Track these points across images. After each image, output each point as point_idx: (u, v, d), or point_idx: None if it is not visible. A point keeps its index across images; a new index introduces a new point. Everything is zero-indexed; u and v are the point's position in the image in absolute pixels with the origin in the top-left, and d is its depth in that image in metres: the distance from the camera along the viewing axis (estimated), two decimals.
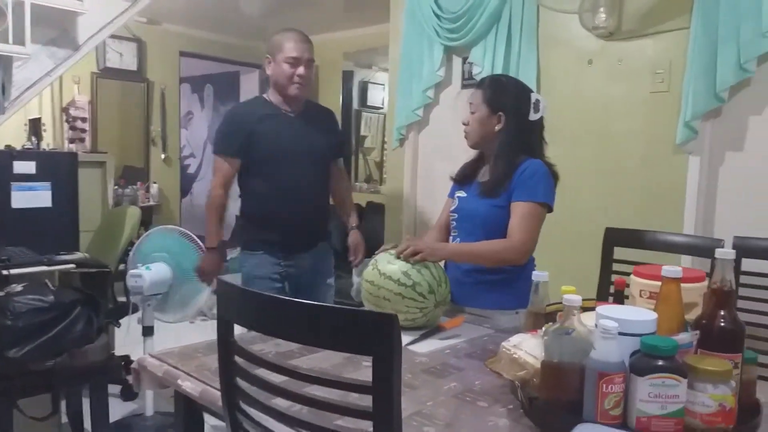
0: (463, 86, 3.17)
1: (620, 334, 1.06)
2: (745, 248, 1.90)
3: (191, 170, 7.42)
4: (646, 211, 2.51)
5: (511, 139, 1.90)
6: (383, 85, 5.85)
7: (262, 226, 2.36)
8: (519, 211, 1.84)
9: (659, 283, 1.31)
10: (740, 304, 1.83)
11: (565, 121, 2.76)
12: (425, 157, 3.32)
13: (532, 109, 1.91)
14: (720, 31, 2.25)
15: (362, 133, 6.17)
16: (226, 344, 1.09)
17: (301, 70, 2.26)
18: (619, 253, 2.12)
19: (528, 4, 2.83)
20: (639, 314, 1.15)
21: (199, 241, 2.81)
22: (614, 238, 2.13)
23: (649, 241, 2.05)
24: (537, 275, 1.41)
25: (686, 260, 2.21)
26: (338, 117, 2.69)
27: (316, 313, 0.91)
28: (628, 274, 2.06)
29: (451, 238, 2.08)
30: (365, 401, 0.87)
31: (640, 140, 2.55)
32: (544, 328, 1.25)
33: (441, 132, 3.23)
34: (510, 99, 1.93)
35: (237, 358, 1.07)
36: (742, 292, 1.85)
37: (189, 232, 2.86)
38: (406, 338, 1.61)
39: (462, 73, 3.16)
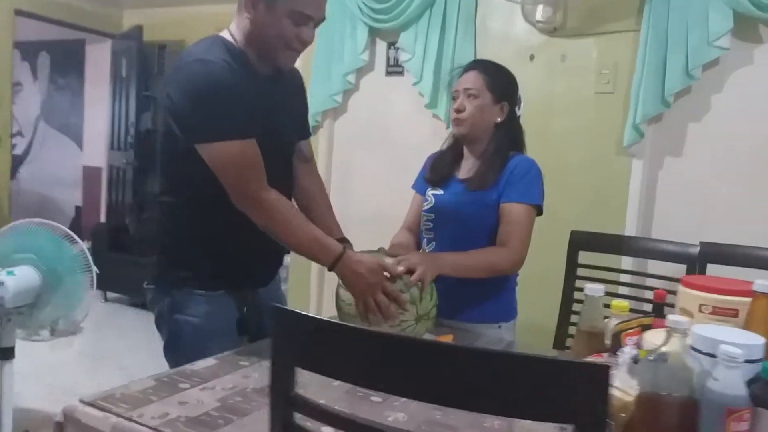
0: (388, 73, 2.93)
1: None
2: (713, 254, 1.89)
3: (18, 151, 6.32)
4: (588, 212, 2.48)
5: (509, 132, 1.73)
6: None
7: (224, 249, 1.49)
8: (513, 213, 1.65)
9: (727, 298, 1.20)
10: None
11: None
12: (341, 147, 3.03)
13: (520, 102, 1.75)
14: (669, 37, 2.26)
15: None
16: (284, 399, 0.75)
17: (307, 33, 1.44)
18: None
19: None
20: (747, 337, 1.01)
21: (76, 237, 2.26)
22: (581, 241, 2.03)
23: (625, 246, 1.98)
24: (592, 289, 1.22)
25: (657, 265, 2.12)
26: None
27: (490, 362, 0.62)
28: (596, 280, 2.02)
29: (424, 240, 1.84)
30: None
31: (584, 140, 2.51)
32: (627, 352, 1.06)
33: (361, 120, 2.97)
34: (512, 89, 1.75)
35: (298, 415, 0.75)
36: None
37: (64, 228, 2.29)
38: None
39: (387, 58, 2.92)
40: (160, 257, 1.54)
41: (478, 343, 1.62)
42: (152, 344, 1.66)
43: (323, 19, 1.47)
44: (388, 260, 1.48)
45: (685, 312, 1.25)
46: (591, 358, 1.14)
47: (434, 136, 2.81)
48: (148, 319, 1.64)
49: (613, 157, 2.43)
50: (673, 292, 1.38)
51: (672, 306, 1.33)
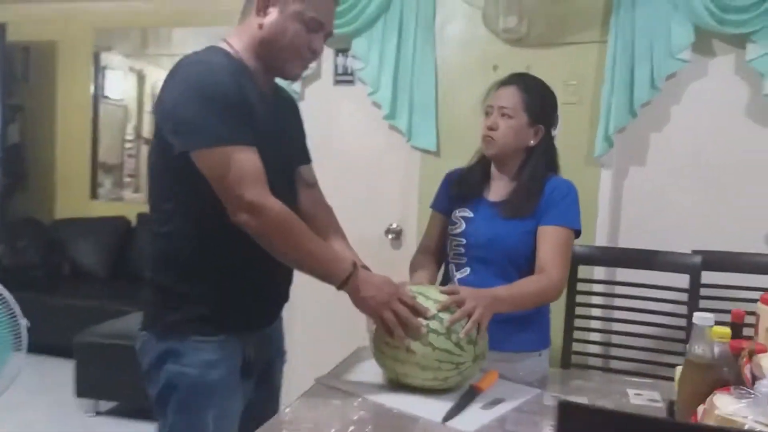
0: (336, 82, 2.74)
1: None
2: (710, 262, 1.94)
3: None
4: None
5: (544, 155, 1.65)
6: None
7: (229, 286, 1.33)
8: (553, 238, 1.56)
9: None
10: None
11: (471, 129, 2.56)
12: None
13: (557, 123, 1.68)
14: (636, 49, 2.31)
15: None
16: None
17: (318, 42, 1.38)
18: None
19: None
20: None
21: None
22: (580, 256, 1.99)
23: (625, 258, 1.97)
24: (702, 318, 1.14)
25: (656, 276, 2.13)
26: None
27: None
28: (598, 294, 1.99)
29: (453, 266, 1.68)
30: None
31: None
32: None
33: (308, 132, 2.73)
34: (551, 110, 1.67)
35: None
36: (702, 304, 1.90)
37: None
38: (437, 407, 1.26)
39: (335, 67, 2.72)
40: (154, 298, 1.35)
41: (520, 372, 1.52)
42: None
43: (332, 32, 1.42)
44: (442, 298, 1.34)
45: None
46: (718, 393, 1.06)
47: (391, 149, 2.68)
48: None
49: (582, 167, 2.44)
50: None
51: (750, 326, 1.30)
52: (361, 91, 2.66)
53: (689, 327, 1.87)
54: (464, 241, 1.65)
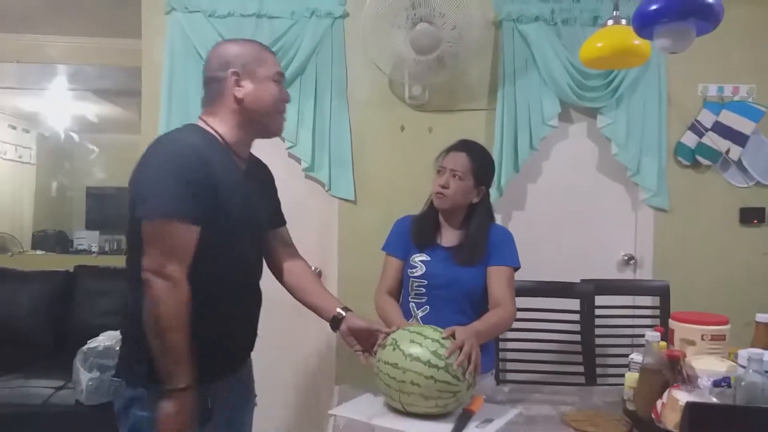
0: None
1: None
2: (601, 287, 2.46)
3: None
4: None
5: (486, 209, 1.99)
6: None
7: (192, 340, 1.38)
8: (502, 276, 1.90)
9: (720, 327, 1.68)
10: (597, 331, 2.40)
11: (384, 180, 2.87)
12: None
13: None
14: (518, 116, 2.82)
15: None
16: None
17: (285, 91, 1.60)
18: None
19: (336, 64, 2.82)
20: None
21: None
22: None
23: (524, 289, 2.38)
24: (651, 335, 1.56)
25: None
26: None
27: None
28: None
29: (413, 304, 1.96)
30: None
31: None
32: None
33: None
34: (491, 173, 2.02)
35: None
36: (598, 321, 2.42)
37: None
38: (439, 429, 1.49)
39: None
40: (125, 349, 1.51)
41: (480, 390, 1.77)
42: None
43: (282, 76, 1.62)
44: (436, 335, 1.57)
45: (688, 341, 1.70)
46: (673, 390, 1.48)
47: (311, 197, 2.87)
48: None
49: None
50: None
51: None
52: (280, 144, 2.81)
53: (586, 343, 2.38)
54: (425, 282, 1.93)
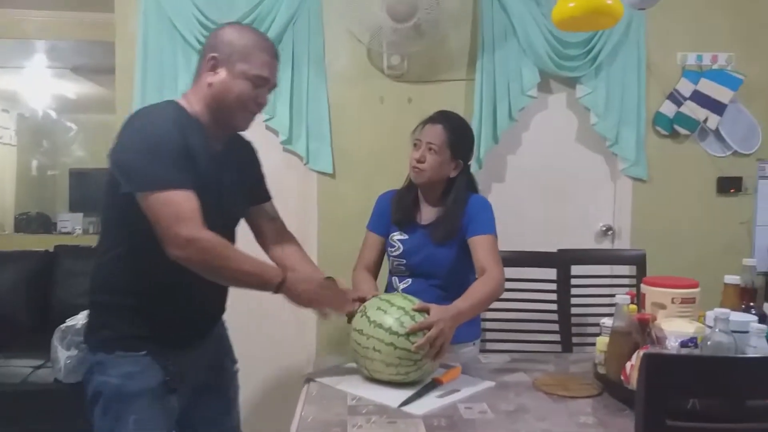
0: None
1: None
2: (572, 257, 2.47)
3: None
4: None
5: (464, 184, 1.95)
6: None
7: (150, 311, 1.50)
8: (485, 244, 1.86)
9: (689, 290, 1.69)
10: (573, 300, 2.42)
11: (362, 153, 2.85)
12: None
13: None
14: (497, 87, 2.80)
15: None
16: None
17: (263, 96, 1.57)
18: None
19: (314, 34, 2.78)
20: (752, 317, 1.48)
21: None
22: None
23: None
24: (621, 298, 1.58)
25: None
26: None
27: None
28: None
29: (395, 278, 1.96)
30: None
31: None
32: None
33: None
34: (469, 146, 1.98)
35: None
36: (573, 291, 2.43)
37: None
38: (397, 396, 1.48)
39: None
40: (89, 315, 1.58)
41: (461, 359, 1.82)
42: None
43: (276, 85, 1.61)
44: (405, 303, 1.58)
45: (659, 305, 1.71)
46: (642, 351, 1.49)
47: (289, 170, 2.85)
48: None
49: None
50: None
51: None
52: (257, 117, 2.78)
53: (562, 311, 2.39)
54: (404, 261, 1.93)
